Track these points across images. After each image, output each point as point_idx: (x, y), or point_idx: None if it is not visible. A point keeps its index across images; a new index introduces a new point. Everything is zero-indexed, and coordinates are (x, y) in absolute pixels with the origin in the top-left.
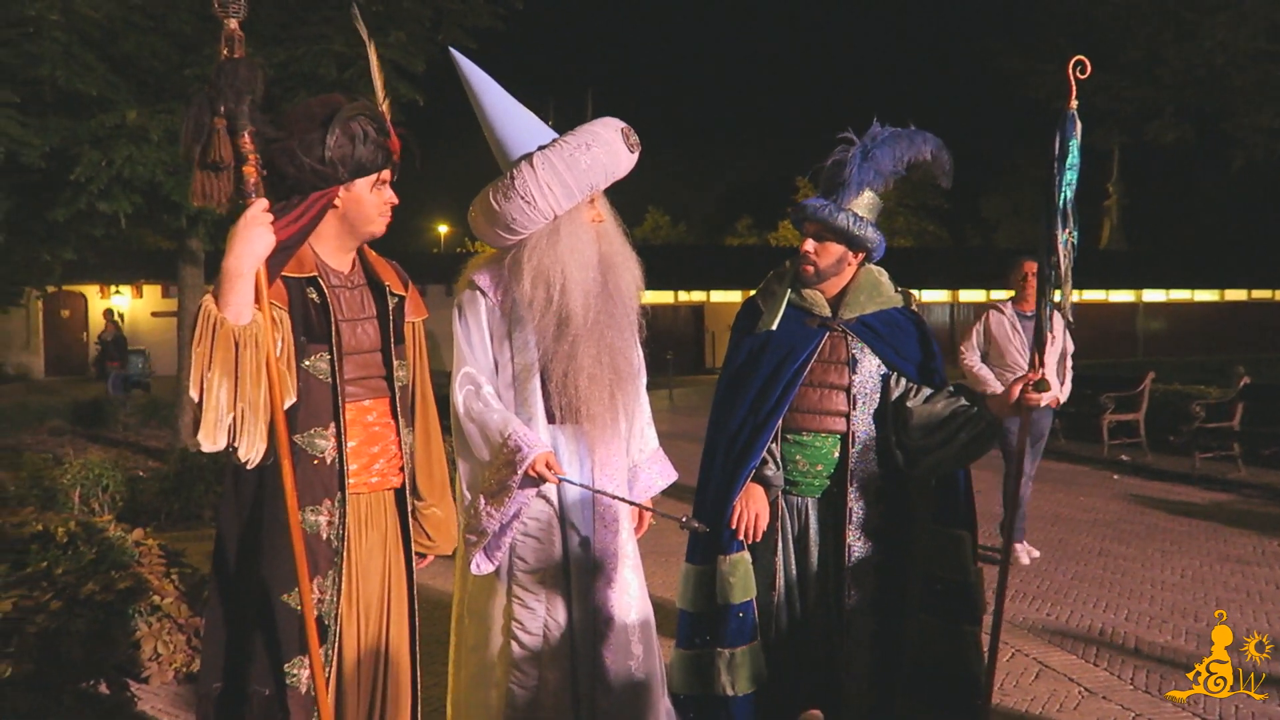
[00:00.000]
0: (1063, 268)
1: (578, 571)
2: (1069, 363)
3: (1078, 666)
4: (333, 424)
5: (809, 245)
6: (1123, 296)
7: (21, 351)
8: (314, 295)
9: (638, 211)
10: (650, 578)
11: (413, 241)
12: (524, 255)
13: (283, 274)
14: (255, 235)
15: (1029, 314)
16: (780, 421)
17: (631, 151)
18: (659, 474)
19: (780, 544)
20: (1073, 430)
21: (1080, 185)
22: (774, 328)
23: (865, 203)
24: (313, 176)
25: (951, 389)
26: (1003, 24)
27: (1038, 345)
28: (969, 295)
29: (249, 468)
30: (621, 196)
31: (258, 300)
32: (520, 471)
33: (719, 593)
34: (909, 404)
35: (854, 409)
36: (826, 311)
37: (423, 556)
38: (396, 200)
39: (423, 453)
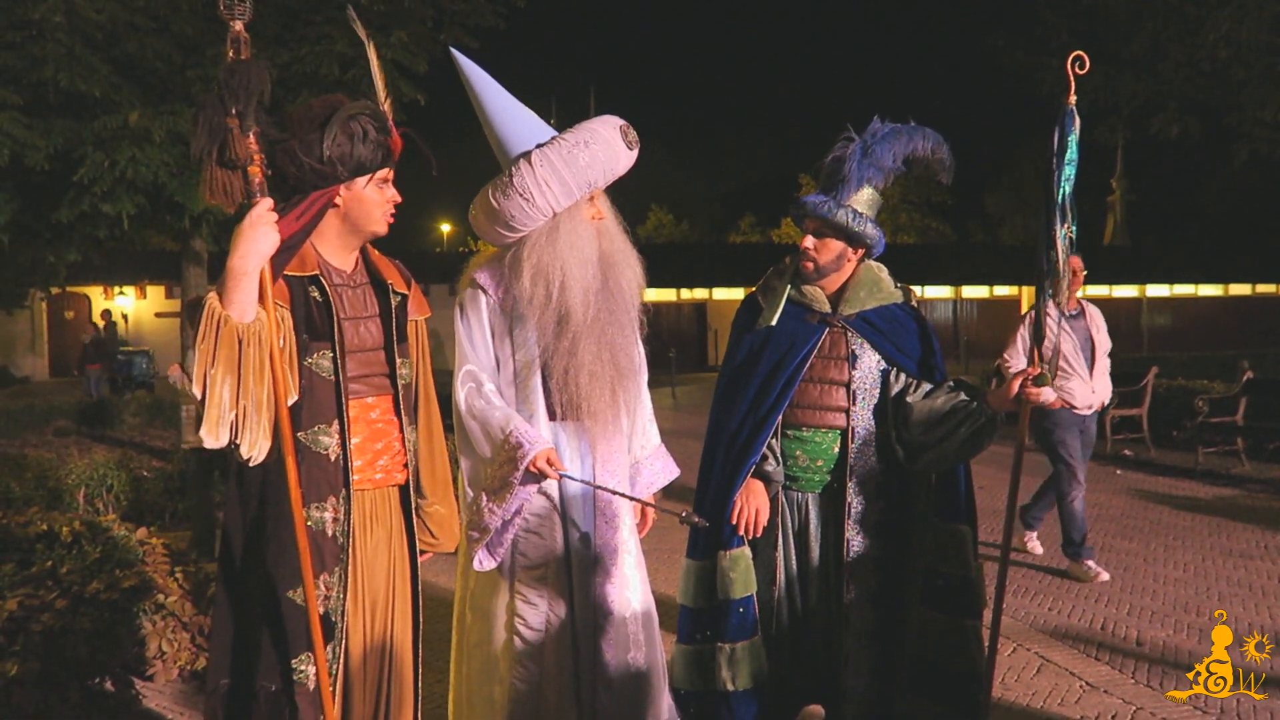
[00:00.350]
0: (1061, 263)
1: (579, 567)
2: (1106, 362)
3: (1079, 661)
4: (336, 421)
5: (809, 242)
6: (1126, 292)
7: (26, 353)
8: (316, 294)
9: (640, 210)
10: (653, 574)
11: (416, 241)
12: (524, 253)
13: (285, 273)
14: (260, 234)
15: (1073, 313)
16: (780, 417)
17: (630, 149)
18: (661, 470)
19: (781, 539)
20: None
21: (1084, 180)
22: (774, 324)
23: (865, 199)
24: (313, 176)
25: (951, 384)
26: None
27: (1036, 341)
28: (972, 292)
29: (251, 465)
30: (624, 195)
31: (262, 299)
32: (522, 468)
33: (720, 588)
34: (909, 399)
35: (854, 404)
36: (826, 307)
37: (425, 553)
38: (399, 199)
39: (426, 450)
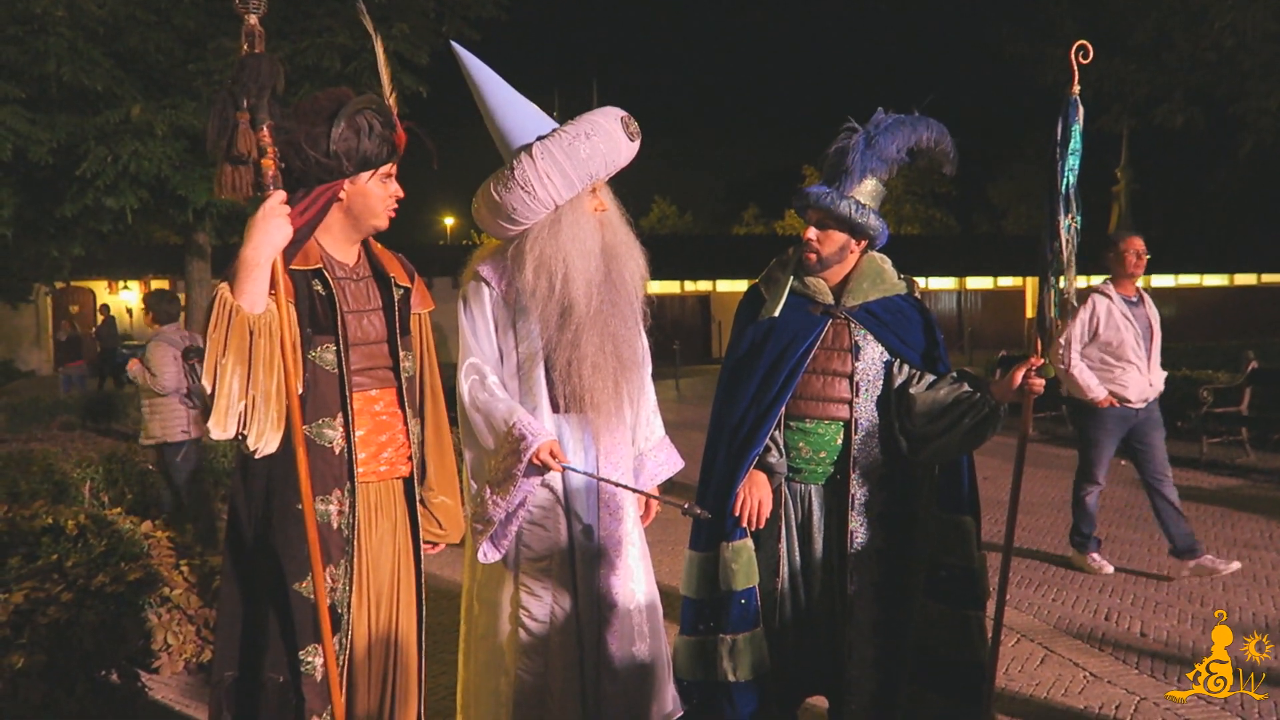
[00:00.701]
0: (1065, 253)
1: (583, 559)
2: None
3: (1083, 652)
4: (340, 414)
5: (811, 233)
6: None
7: (32, 347)
8: (319, 287)
9: (644, 202)
10: (657, 565)
11: (419, 234)
12: (526, 245)
13: (289, 266)
14: (274, 226)
15: (1133, 299)
16: (783, 409)
17: (632, 140)
18: (665, 462)
19: (783, 531)
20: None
21: (1088, 170)
22: (777, 315)
23: (868, 190)
24: (318, 169)
25: (955, 375)
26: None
27: (1040, 331)
28: (976, 283)
29: (257, 457)
30: (627, 186)
31: (273, 290)
32: (525, 460)
33: (722, 579)
34: (912, 390)
35: (857, 396)
36: (829, 299)
37: (433, 545)
38: (402, 193)
39: (433, 443)
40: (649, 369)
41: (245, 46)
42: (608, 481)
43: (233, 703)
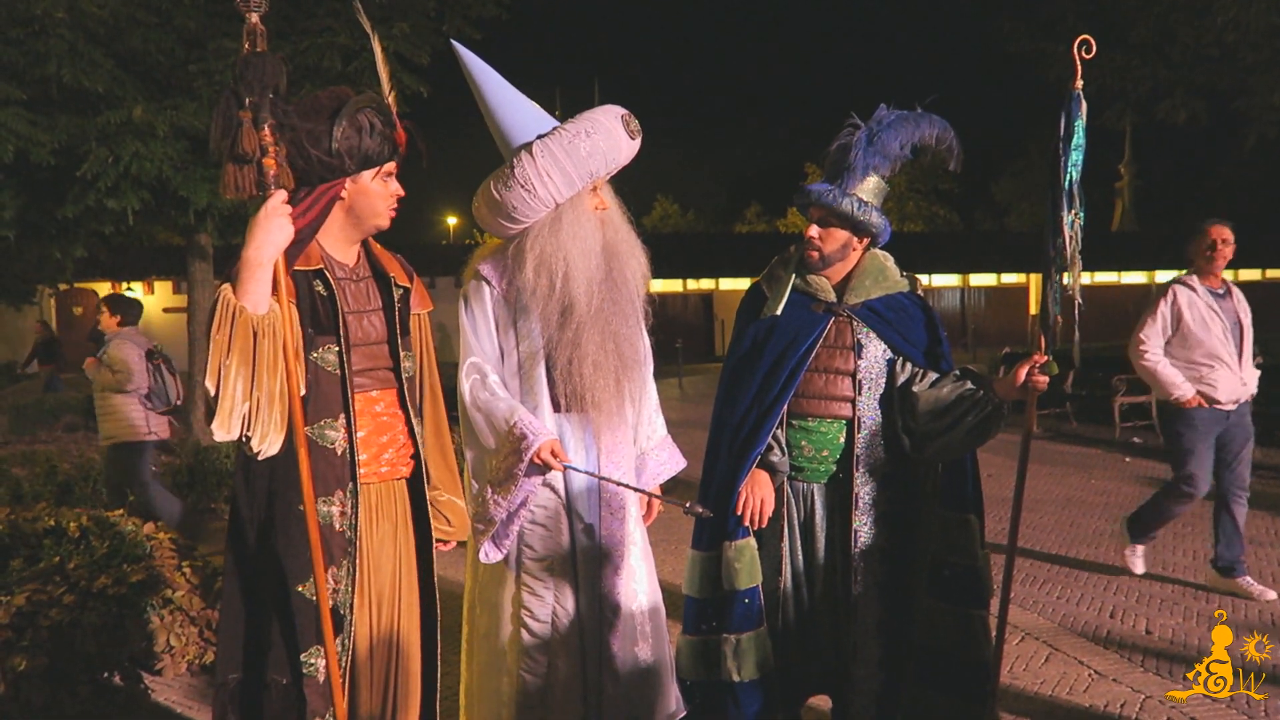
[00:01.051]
0: (1069, 250)
1: (585, 559)
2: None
3: (1088, 649)
4: (342, 415)
5: (814, 230)
6: (1135, 278)
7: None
8: (320, 288)
9: (646, 200)
10: (660, 565)
11: (422, 233)
12: (527, 244)
13: (292, 268)
14: (276, 226)
15: (1219, 290)
16: (785, 407)
17: (632, 138)
18: (667, 461)
19: (786, 530)
20: (1084, 413)
21: (1091, 166)
22: (779, 313)
23: (870, 187)
24: (320, 168)
25: (958, 373)
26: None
27: (1044, 328)
28: (980, 279)
29: (260, 459)
30: (629, 185)
31: (275, 291)
32: (526, 459)
33: (725, 579)
34: (915, 389)
35: (860, 394)
36: (831, 297)
37: (444, 543)
38: (403, 192)
39: (434, 443)
40: (651, 368)
41: (247, 45)
42: (609, 481)
43: (237, 705)
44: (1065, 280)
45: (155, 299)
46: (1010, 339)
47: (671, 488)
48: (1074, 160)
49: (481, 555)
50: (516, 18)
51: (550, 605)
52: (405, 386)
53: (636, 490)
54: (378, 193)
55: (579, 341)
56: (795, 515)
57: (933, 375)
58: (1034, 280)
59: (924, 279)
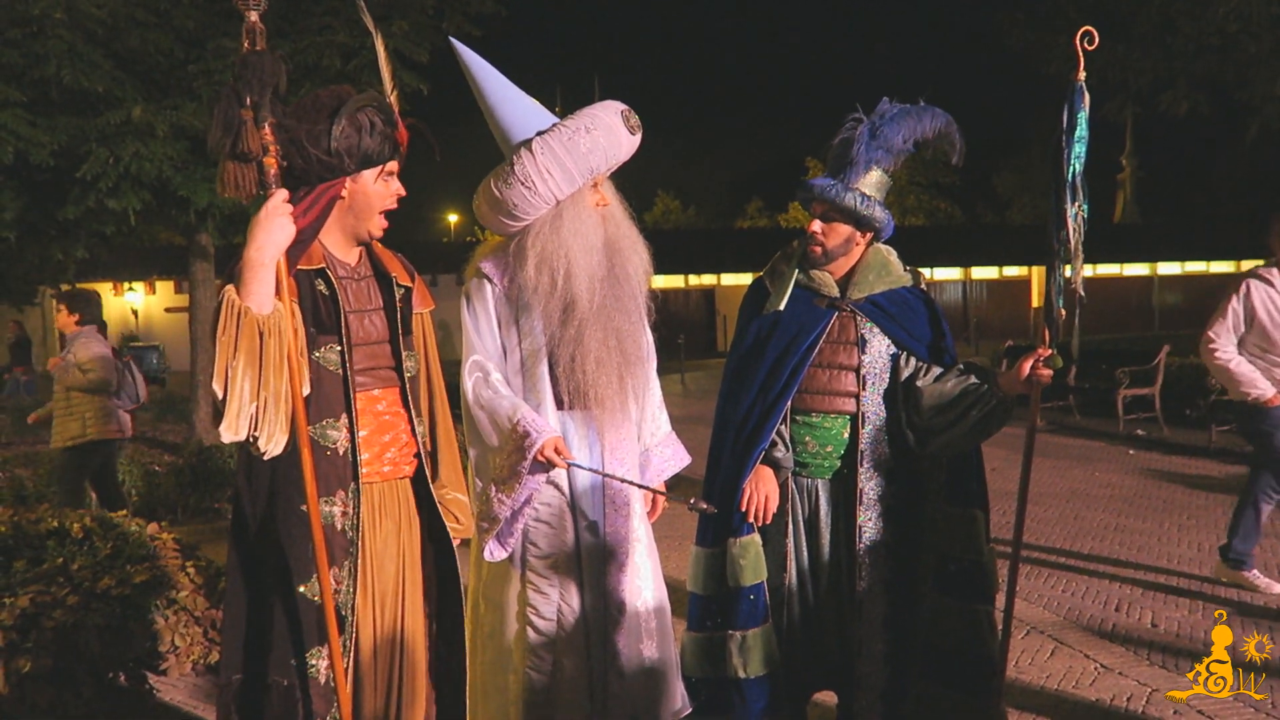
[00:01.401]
0: (1072, 242)
1: (589, 557)
2: None
3: (1094, 643)
4: (344, 415)
5: (816, 225)
6: (1137, 270)
7: (38, 349)
8: (322, 287)
9: (647, 196)
10: (665, 562)
11: (423, 231)
12: (528, 241)
13: (295, 268)
14: (277, 225)
15: None
16: (789, 403)
17: (632, 134)
18: (671, 458)
19: (791, 526)
20: (1088, 406)
21: (1093, 158)
22: (782, 309)
23: (873, 181)
24: (320, 167)
25: (961, 367)
26: None
27: (1047, 321)
28: (981, 273)
29: (266, 459)
30: (630, 181)
31: (278, 291)
32: (529, 457)
33: (730, 575)
34: (919, 383)
35: (864, 389)
36: (835, 292)
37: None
38: (404, 192)
39: (440, 441)
40: (654, 364)
41: (247, 43)
42: (613, 477)
43: (240, 705)
44: (1067, 273)
45: (157, 299)
46: (1012, 332)
47: (675, 484)
48: (1077, 152)
49: (486, 553)
50: (516, 14)
51: (555, 603)
52: (407, 385)
53: (641, 487)
54: (378, 192)
55: (581, 338)
56: (800, 511)
57: (936, 370)
58: (1036, 273)
59: (926, 272)
